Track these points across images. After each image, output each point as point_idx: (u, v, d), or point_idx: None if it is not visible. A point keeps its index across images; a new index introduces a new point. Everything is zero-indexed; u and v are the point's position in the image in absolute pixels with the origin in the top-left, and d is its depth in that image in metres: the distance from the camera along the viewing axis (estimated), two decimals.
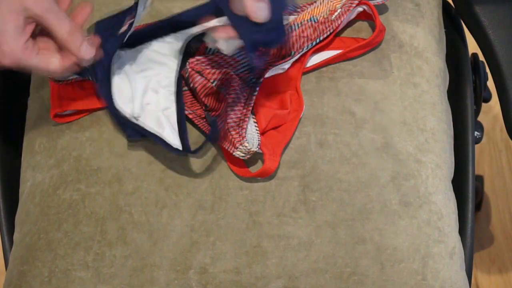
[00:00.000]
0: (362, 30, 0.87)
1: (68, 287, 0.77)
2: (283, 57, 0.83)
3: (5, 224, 0.91)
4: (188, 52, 0.82)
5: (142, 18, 0.80)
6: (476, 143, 0.98)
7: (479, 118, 1.05)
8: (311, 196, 0.78)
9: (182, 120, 0.79)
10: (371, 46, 0.85)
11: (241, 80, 0.80)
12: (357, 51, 0.85)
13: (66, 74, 0.77)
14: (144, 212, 0.79)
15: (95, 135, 0.83)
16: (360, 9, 0.86)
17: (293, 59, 0.83)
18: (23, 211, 0.83)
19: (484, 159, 1.45)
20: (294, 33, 0.83)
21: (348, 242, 0.77)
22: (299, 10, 0.86)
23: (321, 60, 0.84)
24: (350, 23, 0.88)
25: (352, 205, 0.78)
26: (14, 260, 0.81)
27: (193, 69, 0.79)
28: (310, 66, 0.84)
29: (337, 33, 0.87)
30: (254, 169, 0.79)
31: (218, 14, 0.79)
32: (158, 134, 0.78)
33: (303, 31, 0.83)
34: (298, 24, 0.83)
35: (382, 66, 0.85)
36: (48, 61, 0.72)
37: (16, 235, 0.83)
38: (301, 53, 0.83)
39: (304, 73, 0.84)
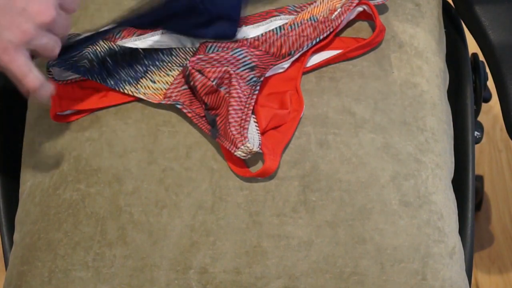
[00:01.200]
0: (362, 30, 0.87)
1: (68, 287, 0.77)
2: (282, 56, 0.83)
3: (5, 224, 0.91)
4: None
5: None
6: (476, 143, 0.98)
7: (479, 118, 1.05)
8: (311, 196, 0.78)
9: None
10: (371, 46, 0.85)
11: (241, 79, 0.80)
12: (357, 51, 0.85)
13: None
14: (144, 212, 0.79)
15: (95, 135, 0.83)
16: (360, 9, 0.86)
17: (293, 59, 0.83)
18: (23, 211, 0.83)
19: (484, 159, 1.45)
20: (293, 32, 0.83)
21: (348, 242, 0.77)
22: (299, 9, 0.86)
23: (321, 60, 0.84)
24: (350, 23, 0.88)
25: (352, 205, 0.78)
26: (14, 260, 0.81)
27: (193, 68, 0.79)
28: (310, 66, 0.84)
29: (337, 33, 0.87)
30: (254, 169, 0.79)
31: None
32: None
33: (303, 30, 0.83)
34: (298, 24, 0.83)
35: (382, 66, 0.85)
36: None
37: (16, 235, 0.83)
38: (301, 52, 0.83)
39: (304, 73, 0.84)
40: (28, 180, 0.84)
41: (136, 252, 0.77)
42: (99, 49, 0.83)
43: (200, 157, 0.80)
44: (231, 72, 0.79)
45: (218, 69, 0.79)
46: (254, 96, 0.80)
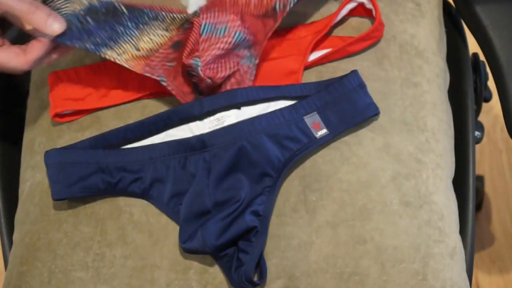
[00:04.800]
0: (363, 30, 0.87)
1: (68, 287, 0.77)
2: (272, 7, 0.81)
3: (4, 224, 0.91)
4: None
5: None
6: (477, 143, 0.97)
7: (480, 118, 1.05)
8: (311, 196, 0.78)
9: None
10: (371, 39, 0.85)
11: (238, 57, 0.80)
12: (357, 45, 0.84)
13: (31, 69, 0.75)
14: (144, 212, 0.79)
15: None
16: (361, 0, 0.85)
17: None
18: (23, 211, 0.83)
19: (484, 159, 1.45)
20: None
21: (349, 242, 0.77)
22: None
23: (322, 54, 0.84)
24: (350, 23, 0.88)
25: (353, 205, 0.78)
26: (14, 260, 0.81)
27: (205, 75, 0.78)
28: (312, 61, 0.84)
29: (337, 33, 0.87)
30: None
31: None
32: None
33: None
34: None
35: (382, 66, 0.85)
36: (10, 56, 0.72)
37: (15, 235, 0.83)
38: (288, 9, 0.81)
39: (305, 69, 0.84)
40: (28, 180, 0.84)
41: (136, 252, 0.77)
42: (78, 8, 0.77)
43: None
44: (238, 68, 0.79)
45: (227, 73, 0.80)
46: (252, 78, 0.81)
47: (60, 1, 0.76)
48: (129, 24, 0.78)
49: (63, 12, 0.76)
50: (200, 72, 0.78)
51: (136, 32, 0.78)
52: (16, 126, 0.93)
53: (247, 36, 0.80)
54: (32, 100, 0.90)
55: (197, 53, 0.78)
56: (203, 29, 0.79)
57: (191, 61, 0.78)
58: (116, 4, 0.77)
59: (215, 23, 0.79)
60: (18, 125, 0.92)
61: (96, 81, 0.84)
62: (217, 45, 0.79)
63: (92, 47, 0.77)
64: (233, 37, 0.79)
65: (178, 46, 0.80)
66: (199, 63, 0.77)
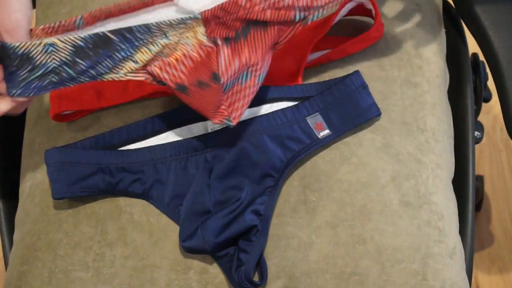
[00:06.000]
0: (363, 30, 0.87)
1: (68, 287, 0.77)
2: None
3: (5, 224, 0.91)
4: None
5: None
6: (476, 143, 0.97)
7: (479, 118, 1.05)
8: (311, 196, 0.78)
9: None
10: (371, 40, 0.85)
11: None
12: (357, 45, 0.84)
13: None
14: (144, 213, 0.79)
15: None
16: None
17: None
18: (23, 211, 0.83)
19: (484, 159, 1.45)
20: None
21: (348, 242, 0.77)
22: None
23: (321, 55, 0.84)
24: (350, 23, 0.88)
25: (352, 205, 0.78)
26: (14, 260, 0.81)
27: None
28: (311, 61, 0.84)
29: (338, 34, 0.87)
30: None
31: None
32: None
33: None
34: None
35: (382, 66, 0.85)
36: None
37: (16, 235, 0.83)
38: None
39: (305, 69, 0.84)
40: (28, 180, 0.84)
41: (136, 253, 0.77)
42: (63, 54, 0.71)
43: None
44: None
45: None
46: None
47: (40, 57, 0.71)
48: (123, 46, 0.72)
49: (50, 66, 0.71)
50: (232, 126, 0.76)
51: (132, 50, 0.73)
52: (16, 126, 0.93)
53: (267, 69, 0.76)
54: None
55: (226, 113, 0.74)
56: (225, 88, 0.74)
57: (222, 123, 0.75)
58: (101, 33, 0.71)
59: (236, 75, 0.74)
60: (18, 125, 0.92)
61: (96, 81, 0.84)
62: (245, 100, 0.75)
63: (87, 79, 0.73)
64: (257, 83, 0.75)
65: (183, 90, 0.74)
66: (231, 123, 0.74)
